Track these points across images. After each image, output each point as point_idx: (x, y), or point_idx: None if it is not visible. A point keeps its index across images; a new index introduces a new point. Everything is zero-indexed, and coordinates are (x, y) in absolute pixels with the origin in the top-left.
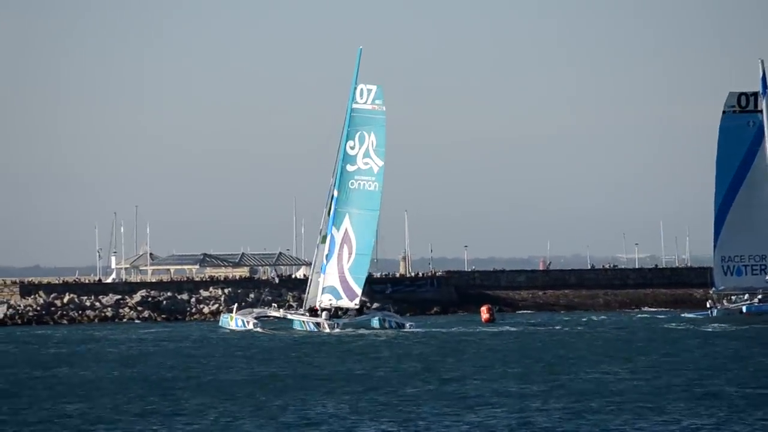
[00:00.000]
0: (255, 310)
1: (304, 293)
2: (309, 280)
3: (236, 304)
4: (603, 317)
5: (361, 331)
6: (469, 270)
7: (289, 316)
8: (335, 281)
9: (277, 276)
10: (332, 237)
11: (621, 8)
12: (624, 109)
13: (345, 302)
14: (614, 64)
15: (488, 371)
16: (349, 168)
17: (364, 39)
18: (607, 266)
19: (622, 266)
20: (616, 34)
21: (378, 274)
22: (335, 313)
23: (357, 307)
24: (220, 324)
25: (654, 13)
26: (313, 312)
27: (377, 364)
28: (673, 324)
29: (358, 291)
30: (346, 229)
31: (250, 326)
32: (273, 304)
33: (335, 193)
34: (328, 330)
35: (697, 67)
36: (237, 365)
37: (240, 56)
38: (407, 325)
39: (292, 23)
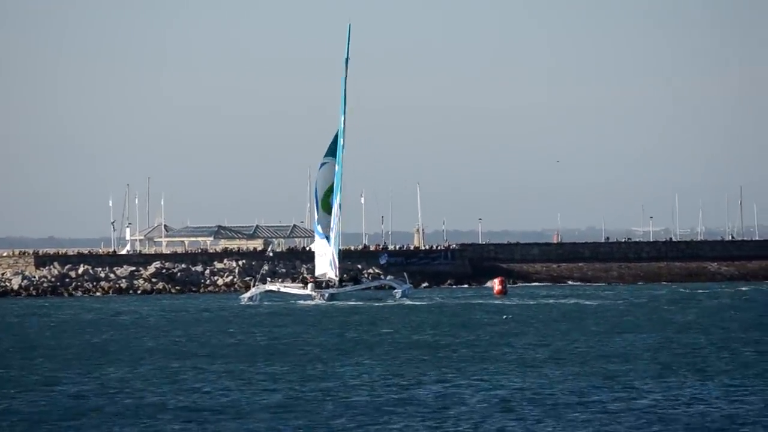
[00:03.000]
0: (262, 285)
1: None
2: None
3: (252, 277)
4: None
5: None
6: (484, 243)
7: (283, 289)
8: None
9: (272, 250)
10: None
11: None
12: (639, 80)
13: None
14: (626, 33)
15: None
16: (343, 142)
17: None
18: (621, 240)
19: (637, 239)
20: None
21: (392, 247)
22: (323, 284)
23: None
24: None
25: None
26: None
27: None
28: None
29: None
30: (340, 203)
31: (246, 302)
32: (267, 279)
33: (336, 168)
34: (317, 300)
35: (709, 38)
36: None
37: (254, 31)
38: (395, 292)
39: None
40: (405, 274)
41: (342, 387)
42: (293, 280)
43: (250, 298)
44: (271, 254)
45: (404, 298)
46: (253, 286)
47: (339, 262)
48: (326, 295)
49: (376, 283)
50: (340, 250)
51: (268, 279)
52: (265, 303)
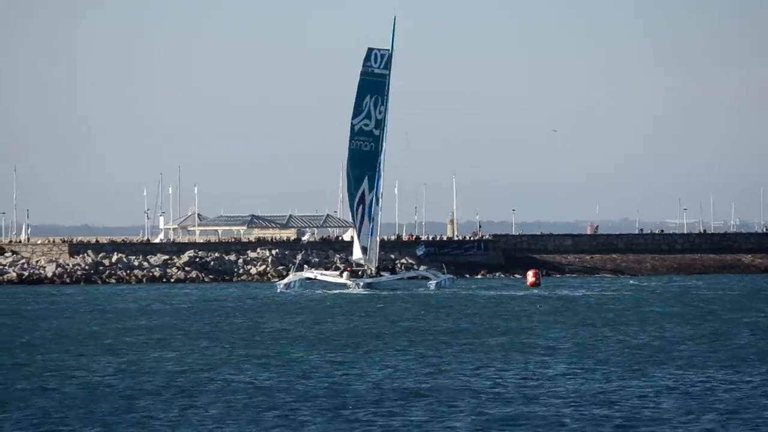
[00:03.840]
0: (299, 272)
1: (351, 255)
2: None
3: (285, 266)
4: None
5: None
6: (517, 234)
7: (320, 277)
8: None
9: (309, 237)
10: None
11: None
12: (674, 73)
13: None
14: (658, 25)
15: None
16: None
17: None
18: (655, 231)
19: (671, 231)
20: None
21: (425, 237)
22: (359, 273)
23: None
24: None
25: None
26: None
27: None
28: None
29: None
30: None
31: (282, 289)
32: (304, 266)
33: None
34: (352, 288)
35: (742, 29)
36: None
37: (288, 18)
38: (429, 283)
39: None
40: (443, 264)
41: (374, 373)
42: (326, 269)
43: (287, 285)
44: (307, 239)
45: (439, 289)
46: (291, 273)
47: (375, 252)
48: (361, 284)
49: (413, 273)
50: (377, 239)
51: (305, 266)
52: (306, 291)
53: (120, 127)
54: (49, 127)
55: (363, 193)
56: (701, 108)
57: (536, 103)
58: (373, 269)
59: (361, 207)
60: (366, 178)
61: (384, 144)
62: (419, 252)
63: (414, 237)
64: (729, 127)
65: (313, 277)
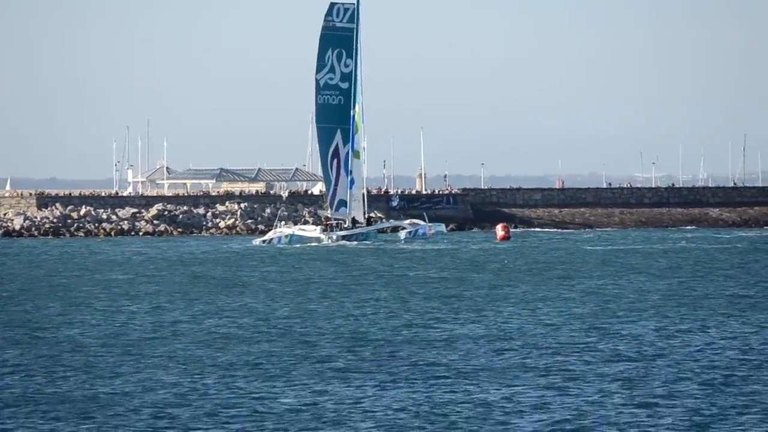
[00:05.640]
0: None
1: (321, 209)
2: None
3: (253, 220)
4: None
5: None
6: (485, 188)
7: (297, 232)
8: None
9: (284, 194)
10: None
11: None
12: (643, 28)
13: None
14: None
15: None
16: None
17: None
18: (624, 185)
19: (639, 185)
20: None
21: (394, 191)
22: (333, 226)
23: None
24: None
25: None
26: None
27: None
28: None
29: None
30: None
31: (257, 243)
32: (282, 222)
33: (358, 110)
34: (326, 241)
35: None
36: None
37: None
38: (400, 234)
39: None
40: (425, 214)
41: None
42: (294, 224)
43: (264, 241)
44: (284, 196)
45: (412, 241)
46: (273, 230)
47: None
48: (334, 237)
49: (391, 224)
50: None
51: (283, 222)
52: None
53: (90, 80)
54: (19, 80)
55: (337, 147)
56: (673, 63)
57: (505, 57)
58: (350, 222)
59: (335, 161)
60: (339, 131)
61: (360, 97)
62: (394, 203)
63: (383, 191)
64: (701, 83)
65: (291, 233)
